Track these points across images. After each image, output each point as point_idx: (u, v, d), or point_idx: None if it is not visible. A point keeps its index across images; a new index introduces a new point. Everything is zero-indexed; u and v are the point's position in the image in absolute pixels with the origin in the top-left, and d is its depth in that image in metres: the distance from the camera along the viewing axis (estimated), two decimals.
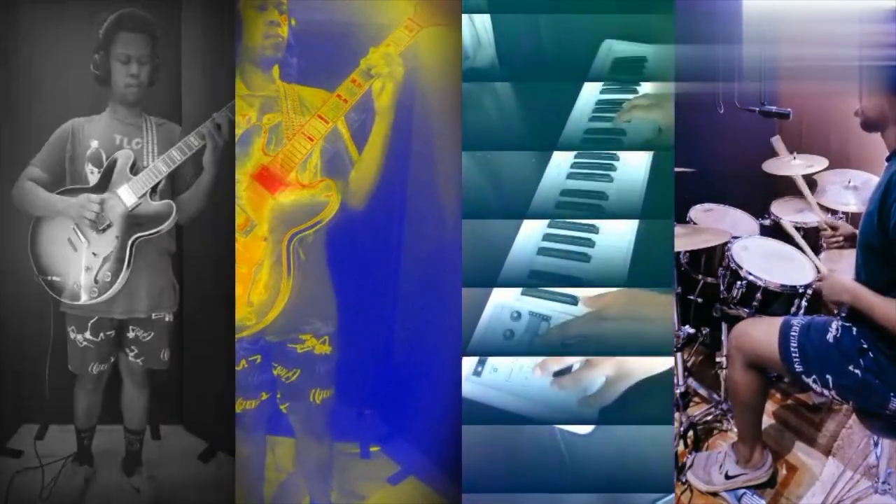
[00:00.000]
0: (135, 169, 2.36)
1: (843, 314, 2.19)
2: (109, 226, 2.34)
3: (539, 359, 2.15)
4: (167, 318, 2.47)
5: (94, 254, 2.34)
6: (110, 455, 2.57)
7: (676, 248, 2.54)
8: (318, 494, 2.40)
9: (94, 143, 2.38)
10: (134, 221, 2.35)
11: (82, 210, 2.32)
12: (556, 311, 2.17)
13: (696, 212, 2.99)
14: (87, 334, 2.41)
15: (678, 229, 2.53)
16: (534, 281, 2.17)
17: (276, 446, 2.45)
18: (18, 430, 2.70)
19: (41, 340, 2.48)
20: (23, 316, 2.57)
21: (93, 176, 2.37)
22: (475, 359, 2.17)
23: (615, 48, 2.27)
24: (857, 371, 2.08)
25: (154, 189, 2.35)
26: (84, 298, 2.35)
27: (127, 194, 2.34)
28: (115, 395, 2.54)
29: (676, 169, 2.23)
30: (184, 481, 2.55)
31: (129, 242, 2.34)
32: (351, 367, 2.19)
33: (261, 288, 2.02)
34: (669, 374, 2.18)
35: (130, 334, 2.44)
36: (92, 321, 2.40)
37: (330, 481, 2.41)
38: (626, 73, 2.27)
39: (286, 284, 2.01)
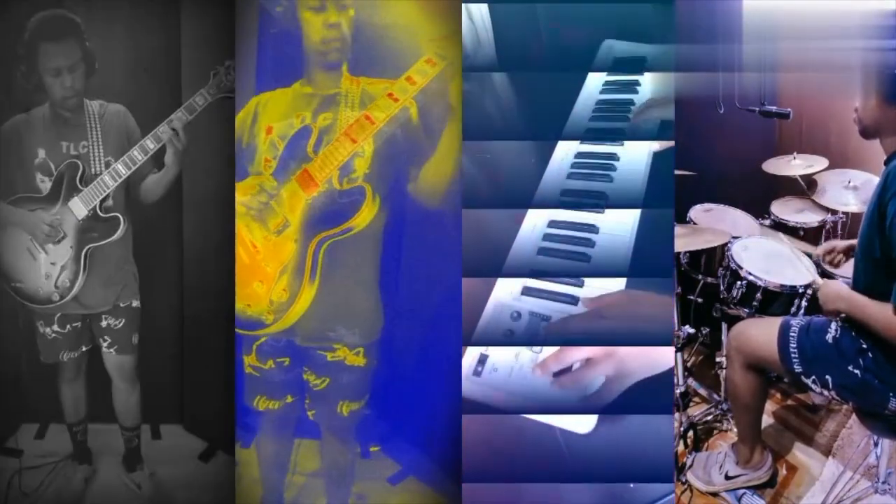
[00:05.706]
0: (84, 178, 2.37)
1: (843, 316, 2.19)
2: (64, 237, 2.37)
3: (539, 359, 2.15)
4: (134, 304, 2.49)
5: (53, 263, 2.38)
6: (111, 453, 2.58)
7: (676, 249, 2.54)
8: (336, 498, 2.42)
9: (41, 153, 2.39)
10: (86, 229, 2.38)
11: (35, 228, 2.37)
12: (557, 311, 2.16)
13: (696, 212, 2.99)
14: (55, 327, 2.45)
15: (678, 230, 2.52)
16: (535, 277, 2.17)
17: (300, 447, 2.47)
18: (18, 429, 2.70)
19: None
20: (17, 317, 2.57)
21: (43, 185, 2.38)
22: (475, 359, 2.16)
23: (616, 48, 2.27)
24: (856, 371, 2.08)
25: (105, 198, 2.38)
26: (46, 303, 2.39)
27: (77, 207, 2.37)
28: (109, 393, 2.54)
29: (677, 172, 2.23)
30: (184, 481, 2.55)
31: (83, 252, 2.38)
32: (385, 381, 2.12)
33: (280, 289, 1.97)
34: (669, 373, 2.18)
35: (103, 323, 2.47)
36: (57, 316, 2.44)
37: (350, 486, 2.43)
38: (627, 72, 2.27)
39: (309, 289, 1.94)
